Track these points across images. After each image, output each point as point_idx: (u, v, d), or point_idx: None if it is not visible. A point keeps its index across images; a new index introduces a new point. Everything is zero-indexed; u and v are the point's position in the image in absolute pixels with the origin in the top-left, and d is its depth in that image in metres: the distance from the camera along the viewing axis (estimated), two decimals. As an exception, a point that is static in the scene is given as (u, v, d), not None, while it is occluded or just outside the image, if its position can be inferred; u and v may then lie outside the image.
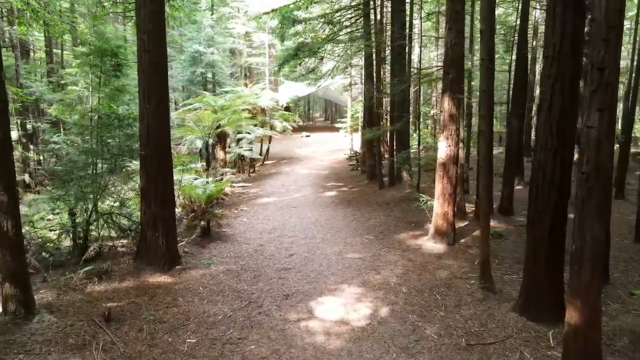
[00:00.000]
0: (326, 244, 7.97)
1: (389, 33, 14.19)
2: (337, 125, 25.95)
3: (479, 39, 8.44)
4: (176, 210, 9.91)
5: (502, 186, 9.62)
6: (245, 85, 20.16)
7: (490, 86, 5.65)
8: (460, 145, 8.09)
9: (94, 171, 6.63)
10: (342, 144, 24.17)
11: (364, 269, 6.65)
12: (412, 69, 11.13)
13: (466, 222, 9.00)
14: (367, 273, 6.50)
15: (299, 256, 7.31)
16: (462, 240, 7.95)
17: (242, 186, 13.97)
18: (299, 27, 13.73)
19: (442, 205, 7.59)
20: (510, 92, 9.39)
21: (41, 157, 15.31)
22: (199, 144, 12.60)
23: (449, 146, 7.43)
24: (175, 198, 9.87)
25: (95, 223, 6.87)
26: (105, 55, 8.42)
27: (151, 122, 6.00)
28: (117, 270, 6.14)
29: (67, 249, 6.86)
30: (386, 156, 16.00)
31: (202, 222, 8.33)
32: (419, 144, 12.30)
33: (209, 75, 17.62)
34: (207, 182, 10.45)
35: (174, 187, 9.33)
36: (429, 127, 23.49)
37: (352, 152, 19.52)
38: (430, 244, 7.72)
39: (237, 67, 29.87)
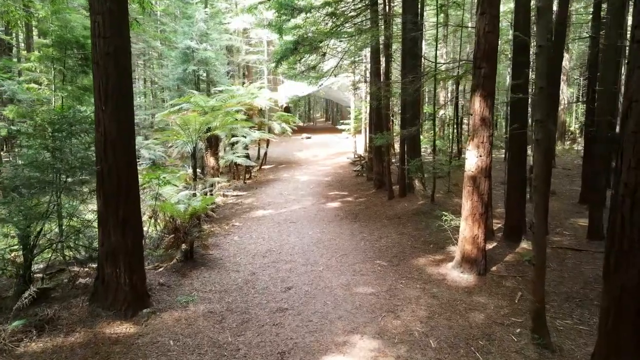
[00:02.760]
0: (331, 272, 6.66)
1: (397, 27, 12.93)
2: (339, 127, 24.67)
3: (512, 23, 7.15)
4: (157, 228, 8.65)
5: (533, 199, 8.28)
6: (242, 84, 18.88)
7: (547, 82, 4.34)
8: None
9: (56, 186, 5.34)
10: (345, 146, 22.90)
11: (379, 310, 5.35)
12: (429, 63, 9.80)
13: (494, 243, 7.69)
14: (383, 316, 5.19)
15: (298, 290, 6.00)
16: (494, 268, 6.64)
17: (236, 195, 12.68)
18: (299, 20, 12.44)
19: (471, 227, 6.29)
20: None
21: (19, 162, 14.03)
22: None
23: (480, 156, 6.13)
24: (156, 214, 8.62)
25: (46, 251, 5.57)
26: (70, 47, 7.16)
27: (109, 129, 4.70)
28: (66, 317, 4.83)
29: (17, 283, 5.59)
30: (393, 160, 14.71)
31: (184, 245, 7.03)
32: (434, 150, 11.00)
33: (202, 73, 16.29)
34: (195, 195, 9.17)
35: (144, 206, 8.05)
36: (436, 129, 22.17)
37: (356, 156, 18.24)
38: (456, 274, 6.41)
39: (234, 66, 28.60)
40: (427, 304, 5.52)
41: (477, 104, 6.05)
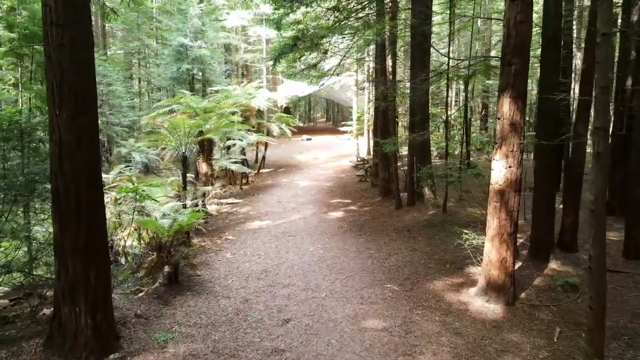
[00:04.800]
0: (335, 300, 5.79)
1: (405, 23, 12.07)
2: (341, 128, 23.81)
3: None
4: (141, 242, 7.81)
5: (562, 213, 7.43)
6: (239, 84, 18.02)
7: (609, 80, 3.48)
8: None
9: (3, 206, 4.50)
10: (347, 148, 22.04)
11: (393, 353, 4.48)
12: (439, 61, 8.93)
13: (519, 263, 6.81)
14: (399, 362, 4.33)
15: (298, 324, 5.13)
16: (522, 295, 5.77)
17: (232, 203, 11.81)
18: (299, 15, 11.59)
19: (497, 249, 5.42)
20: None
21: None
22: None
23: (510, 167, 5.26)
24: (140, 228, 7.76)
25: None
26: (39, 41, 6.29)
27: (66, 138, 3.84)
28: (14, 367, 3.98)
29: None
30: (399, 164, 13.84)
31: (167, 268, 6.16)
32: (446, 155, 10.12)
33: (197, 72, 15.42)
34: (185, 206, 8.33)
35: (126, 219, 7.19)
36: (440, 130, 21.30)
37: (359, 160, 17.37)
38: (481, 303, 5.54)
39: (233, 65, 27.76)
40: (450, 343, 4.65)
41: (507, 107, 5.19)
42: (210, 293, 6.11)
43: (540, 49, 6.68)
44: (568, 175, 7.24)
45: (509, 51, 5.12)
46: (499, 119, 5.31)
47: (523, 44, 5.09)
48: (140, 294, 6.09)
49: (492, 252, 5.49)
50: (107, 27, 26.47)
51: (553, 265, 6.69)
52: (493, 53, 20.68)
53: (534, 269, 6.57)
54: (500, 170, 5.34)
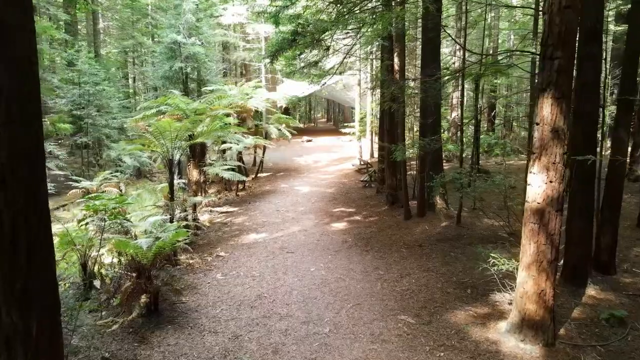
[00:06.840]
0: (340, 337, 4.92)
1: (413, 17, 11.22)
2: (343, 130, 22.97)
3: None
4: (120, 261, 6.93)
5: (597, 230, 6.54)
6: (235, 83, 17.16)
7: None
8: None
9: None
10: (349, 151, 21.18)
11: (415, 415, 3.61)
12: (447, 59, 8.04)
13: (551, 289, 5.94)
14: None
15: (297, 372, 4.27)
16: (562, 331, 4.90)
17: (226, 212, 10.94)
18: (299, 8, 10.74)
19: (535, 279, 4.55)
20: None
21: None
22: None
23: (551, 182, 4.38)
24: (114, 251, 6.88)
25: None
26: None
27: (-4, 152, 2.96)
28: None
29: None
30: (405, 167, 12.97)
31: (144, 297, 5.28)
32: (461, 162, 9.24)
33: (191, 71, 14.53)
34: (172, 220, 7.47)
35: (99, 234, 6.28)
36: (446, 132, 20.44)
37: (362, 163, 16.50)
38: (514, 343, 4.66)
39: (231, 64, 26.93)
40: (483, 401, 3.78)
41: (547, 110, 4.31)
42: (195, 326, 5.24)
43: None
44: (607, 187, 6.36)
45: (551, 43, 4.24)
46: (537, 124, 4.43)
47: (569, 34, 4.21)
48: (114, 327, 5.22)
49: (528, 283, 4.61)
50: (101, 25, 25.64)
51: (591, 291, 5.82)
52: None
53: (570, 297, 5.69)
54: (539, 185, 4.46)
